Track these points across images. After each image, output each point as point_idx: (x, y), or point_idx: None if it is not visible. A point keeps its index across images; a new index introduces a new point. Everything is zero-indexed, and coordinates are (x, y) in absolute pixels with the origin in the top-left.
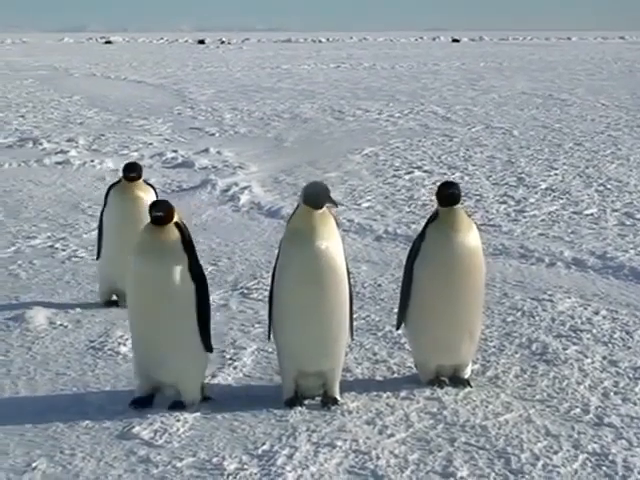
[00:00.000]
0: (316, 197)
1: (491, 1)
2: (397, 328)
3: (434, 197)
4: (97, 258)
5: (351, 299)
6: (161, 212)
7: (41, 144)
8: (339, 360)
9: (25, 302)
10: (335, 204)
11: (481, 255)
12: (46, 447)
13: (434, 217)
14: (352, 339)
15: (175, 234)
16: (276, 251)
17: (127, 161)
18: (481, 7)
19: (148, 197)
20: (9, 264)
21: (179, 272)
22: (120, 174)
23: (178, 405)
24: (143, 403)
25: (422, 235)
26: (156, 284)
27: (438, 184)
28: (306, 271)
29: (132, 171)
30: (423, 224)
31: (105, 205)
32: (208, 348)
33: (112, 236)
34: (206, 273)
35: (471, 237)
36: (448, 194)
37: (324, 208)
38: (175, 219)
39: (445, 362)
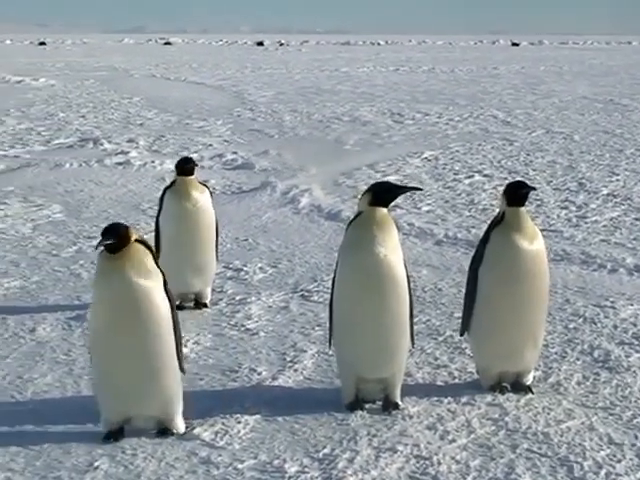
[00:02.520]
0: (386, 192)
1: (551, 5)
2: (461, 334)
3: (501, 196)
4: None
5: (411, 305)
6: (111, 239)
7: (102, 144)
8: (400, 367)
9: (87, 302)
10: (418, 188)
11: (546, 260)
12: (108, 447)
13: (499, 220)
14: (413, 346)
15: (143, 251)
16: (336, 254)
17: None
18: (541, 11)
19: (204, 198)
20: (71, 264)
21: (159, 291)
22: (174, 173)
23: (166, 433)
24: (115, 436)
25: (486, 239)
26: (138, 306)
27: (508, 182)
28: (366, 280)
29: (188, 162)
30: (486, 227)
31: (160, 209)
32: (182, 369)
33: (171, 240)
34: (266, 275)
35: (536, 242)
36: (522, 194)
37: (386, 209)
38: (134, 237)
39: (508, 368)
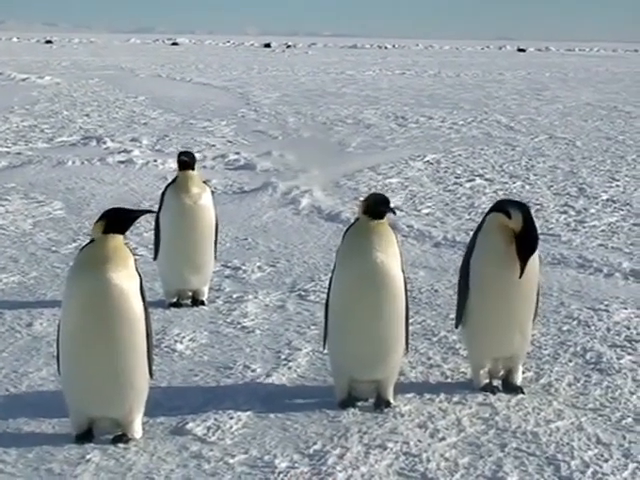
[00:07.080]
0: (376, 207)
1: (559, 12)
2: (456, 326)
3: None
4: (154, 259)
5: (407, 311)
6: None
7: (105, 143)
8: (393, 369)
9: None
10: (394, 212)
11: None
12: (100, 440)
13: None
14: (407, 350)
15: (126, 252)
16: (334, 255)
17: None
18: (548, 18)
19: (205, 196)
20: (70, 260)
21: (135, 292)
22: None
23: (121, 439)
24: (87, 438)
25: (479, 228)
26: (112, 304)
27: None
28: (361, 286)
29: (187, 155)
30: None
31: (161, 205)
32: (151, 374)
33: (170, 237)
34: (264, 274)
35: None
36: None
37: (384, 219)
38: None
39: (499, 355)
